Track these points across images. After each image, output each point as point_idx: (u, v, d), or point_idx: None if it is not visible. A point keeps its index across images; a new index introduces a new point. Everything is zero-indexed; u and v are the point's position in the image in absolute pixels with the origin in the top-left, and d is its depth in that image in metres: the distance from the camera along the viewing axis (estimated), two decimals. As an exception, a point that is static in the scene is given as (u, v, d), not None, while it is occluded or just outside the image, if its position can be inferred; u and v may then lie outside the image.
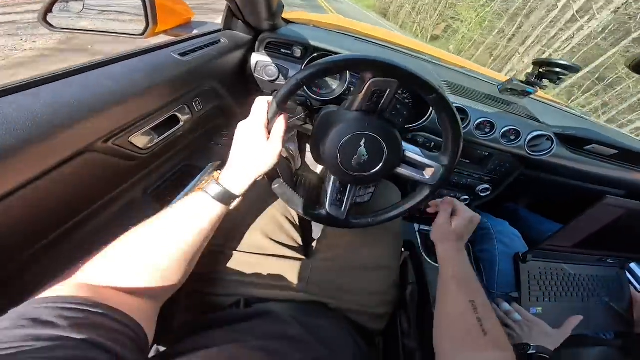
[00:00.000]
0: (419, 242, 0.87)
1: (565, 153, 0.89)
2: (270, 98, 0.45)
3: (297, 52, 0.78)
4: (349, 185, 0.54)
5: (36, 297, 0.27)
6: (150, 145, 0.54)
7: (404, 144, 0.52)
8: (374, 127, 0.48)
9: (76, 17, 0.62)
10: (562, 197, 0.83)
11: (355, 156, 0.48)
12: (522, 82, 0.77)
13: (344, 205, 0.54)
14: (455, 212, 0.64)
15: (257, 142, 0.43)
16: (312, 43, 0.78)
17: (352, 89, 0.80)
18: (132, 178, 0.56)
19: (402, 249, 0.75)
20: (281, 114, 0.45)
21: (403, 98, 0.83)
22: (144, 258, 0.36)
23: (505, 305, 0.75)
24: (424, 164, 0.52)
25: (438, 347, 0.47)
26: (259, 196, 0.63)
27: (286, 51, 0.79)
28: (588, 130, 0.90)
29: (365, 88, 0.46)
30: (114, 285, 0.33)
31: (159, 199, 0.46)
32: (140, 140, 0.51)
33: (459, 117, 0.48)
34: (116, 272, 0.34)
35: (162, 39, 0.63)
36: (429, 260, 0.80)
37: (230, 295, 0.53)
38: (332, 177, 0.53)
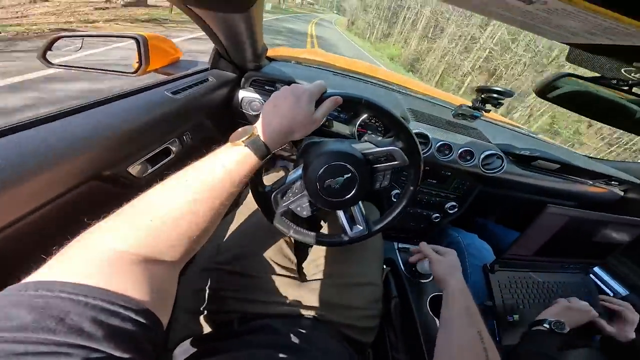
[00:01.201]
0: (399, 258, 0.90)
1: (515, 169, 0.99)
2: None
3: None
4: (354, 206, 0.59)
5: (58, 279, 0.22)
6: (144, 174, 0.58)
7: (357, 146, 0.56)
8: (327, 157, 0.52)
9: (74, 55, 0.67)
10: (521, 209, 0.92)
11: (334, 186, 0.52)
12: (469, 107, 0.89)
13: (360, 221, 0.60)
14: (439, 251, 0.71)
15: (305, 108, 0.44)
16: (295, 79, 0.87)
17: (329, 121, 0.88)
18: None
19: (384, 266, 0.79)
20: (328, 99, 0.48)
21: (376, 127, 0.91)
22: (175, 210, 0.32)
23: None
24: (384, 152, 0.56)
25: None
26: (253, 217, 0.67)
27: (270, 87, 0.86)
28: (534, 148, 1.02)
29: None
30: (139, 252, 0.28)
31: None
32: (136, 169, 0.54)
33: (387, 108, 0.53)
34: (142, 238, 0.29)
35: (152, 76, 0.69)
36: (408, 275, 0.83)
37: (228, 312, 0.55)
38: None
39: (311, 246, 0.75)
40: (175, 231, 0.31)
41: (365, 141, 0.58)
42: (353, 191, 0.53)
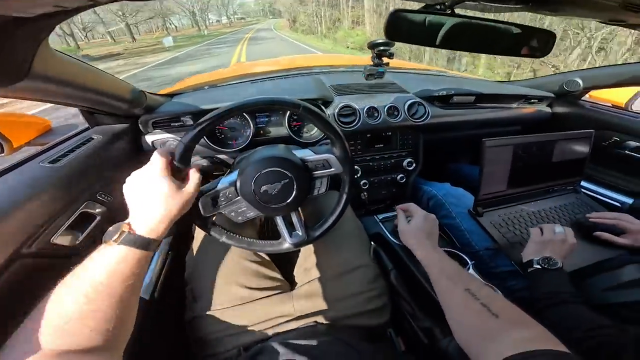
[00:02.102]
0: (384, 230, 0.86)
1: (439, 111, 1.01)
2: (168, 149, 0.48)
3: (188, 121, 0.83)
4: (293, 213, 0.58)
5: None
6: (78, 241, 0.58)
7: (298, 153, 0.57)
8: (264, 162, 0.53)
9: None
10: (476, 146, 0.90)
11: (271, 191, 0.52)
12: (372, 66, 0.87)
13: (298, 229, 0.59)
14: (411, 213, 0.72)
15: (162, 188, 0.44)
16: (201, 107, 0.83)
17: (263, 128, 0.88)
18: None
19: (372, 243, 0.77)
20: (192, 168, 0.49)
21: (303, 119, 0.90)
22: (85, 318, 0.36)
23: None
24: (321, 159, 0.57)
25: (462, 345, 0.45)
26: (217, 255, 0.65)
27: (177, 123, 0.83)
28: (447, 87, 1.03)
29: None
30: (72, 348, 0.34)
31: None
32: (64, 239, 0.55)
33: (317, 110, 0.54)
34: (69, 337, 0.34)
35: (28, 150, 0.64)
36: (397, 242, 0.80)
37: (230, 349, 0.56)
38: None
39: (294, 253, 0.75)
40: (86, 325, 0.35)
41: (309, 147, 0.60)
42: (291, 197, 0.54)
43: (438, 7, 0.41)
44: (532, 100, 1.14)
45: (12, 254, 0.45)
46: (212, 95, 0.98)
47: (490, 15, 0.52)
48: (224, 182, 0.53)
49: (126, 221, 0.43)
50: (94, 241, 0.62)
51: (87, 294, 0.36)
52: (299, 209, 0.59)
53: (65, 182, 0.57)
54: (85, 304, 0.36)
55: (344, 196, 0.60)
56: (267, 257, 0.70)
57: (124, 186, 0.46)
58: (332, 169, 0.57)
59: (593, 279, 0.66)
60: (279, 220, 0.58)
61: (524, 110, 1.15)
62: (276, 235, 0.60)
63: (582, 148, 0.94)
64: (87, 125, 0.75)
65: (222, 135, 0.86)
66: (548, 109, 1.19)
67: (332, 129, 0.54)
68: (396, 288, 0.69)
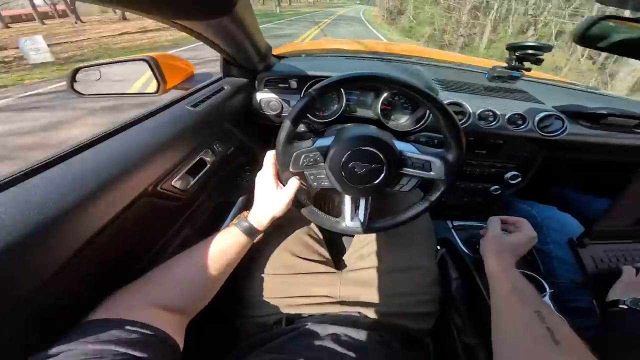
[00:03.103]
0: (456, 237, 0.83)
1: (582, 130, 0.86)
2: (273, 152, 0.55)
3: (294, 84, 0.86)
4: (363, 198, 0.57)
5: (104, 317, 0.36)
6: (188, 187, 0.62)
7: (399, 145, 0.54)
8: (366, 140, 0.52)
9: (98, 84, 0.74)
10: (607, 174, 0.76)
11: (358, 170, 0.52)
12: (505, 68, 0.78)
13: (361, 216, 0.57)
14: (518, 227, 0.65)
15: (269, 191, 0.54)
16: (306, 72, 0.85)
17: (350, 105, 0.86)
18: (181, 217, 0.65)
19: (438, 247, 0.74)
20: (294, 175, 0.54)
21: (402, 104, 0.86)
22: (181, 281, 0.45)
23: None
24: (424, 160, 0.54)
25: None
26: (282, 221, 0.68)
27: (284, 85, 0.86)
28: (599, 106, 0.86)
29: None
30: (157, 304, 0.41)
31: (205, 235, 0.52)
32: (180, 183, 0.59)
33: (452, 112, 0.50)
34: (159, 294, 0.43)
35: (173, 92, 0.73)
36: (470, 254, 0.76)
37: (270, 315, 0.59)
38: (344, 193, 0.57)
39: (350, 236, 0.73)
40: (181, 288, 0.46)
41: (411, 142, 0.57)
42: (374, 183, 0.53)
43: None
44: None
45: (142, 192, 0.48)
46: (313, 63, 0.99)
47: None
48: (319, 144, 0.54)
49: (246, 210, 0.56)
50: (199, 188, 0.66)
51: (197, 265, 0.47)
52: (371, 198, 0.58)
53: (200, 126, 0.63)
54: (191, 272, 0.46)
55: (426, 204, 0.56)
56: (320, 235, 0.71)
57: (255, 182, 0.57)
58: (432, 173, 0.54)
59: None
60: (347, 200, 0.57)
61: None
62: (333, 213, 0.60)
63: None
64: (220, 75, 0.83)
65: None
66: None
67: (458, 134, 0.51)
68: (454, 299, 0.66)
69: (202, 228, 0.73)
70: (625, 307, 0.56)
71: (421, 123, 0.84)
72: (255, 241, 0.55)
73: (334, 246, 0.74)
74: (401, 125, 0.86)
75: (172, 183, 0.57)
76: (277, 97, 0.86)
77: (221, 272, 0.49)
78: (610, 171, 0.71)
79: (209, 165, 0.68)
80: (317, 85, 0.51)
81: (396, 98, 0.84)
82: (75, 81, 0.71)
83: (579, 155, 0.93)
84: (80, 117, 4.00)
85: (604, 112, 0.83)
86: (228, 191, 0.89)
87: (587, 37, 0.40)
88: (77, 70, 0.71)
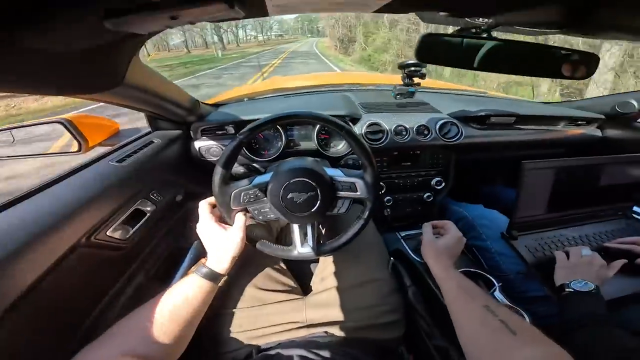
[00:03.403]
0: (406, 247, 0.87)
1: (474, 132, 0.99)
2: (208, 200, 0.59)
3: (231, 130, 0.91)
4: (309, 224, 0.61)
5: None
6: (128, 235, 0.63)
7: (329, 171, 0.59)
8: (298, 172, 0.56)
9: (13, 146, 0.72)
10: (514, 169, 0.87)
11: (296, 200, 0.55)
12: (402, 85, 0.90)
13: (310, 241, 0.61)
14: (445, 231, 0.70)
15: (217, 237, 0.55)
16: (242, 117, 0.90)
17: (294, 140, 0.93)
18: (130, 265, 0.66)
19: (392, 258, 0.77)
20: (240, 211, 0.57)
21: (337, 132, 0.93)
22: (150, 331, 0.44)
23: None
24: (350, 182, 0.59)
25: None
26: (245, 258, 0.69)
27: (221, 132, 0.91)
28: (484, 108, 1.01)
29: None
30: (128, 353, 0.40)
31: (161, 280, 0.53)
32: (117, 233, 0.60)
33: (359, 137, 0.58)
34: (133, 345, 0.42)
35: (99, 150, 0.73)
36: (418, 259, 0.80)
37: (241, 348, 0.59)
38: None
39: (315, 261, 0.77)
40: (155, 338, 0.44)
41: (339, 168, 0.62)
42: (313, 209, 0.56)
43: (474, 30, 0.42)
44: (580, 122, 1.09)
45: (75, 243, 0.50)
46: (251, 107, 1.06)
47: (528, 38, 0.52)
48: (257, 181, 0.57)
49: (192, 254, 0.57)
50: (146, 236, 0.68)
51: (164, 313, 0.47)
52: (316, 223, 0.62)
53: (128, 180, 0.65)
54: (160, 321, 0.46)
55: (361, 222, 0.61)
56: (283, 265, 0.73)
57: (199, 234, 0.57)
58: (358, 193, 0.59)
59: (629, 310, 0.63)
60: (295, 228, 0.61)
61: (569, 132, 1.10)
62: (289, 243, 0.63)
63: (637, 172, 0.87)
64: (148, 129, 0.85)
65: (257, 145, 0.93)
66: (597, 131, 1.12)
67: (368, 155, 0.57)
68: (413, 305, 0.69)
69: (157, 274, 0.73)
70: (570, 290, 0.60)
71: (344, 149, 0.92)
72: (220, 284, 0.56)
73: (302, 273, 0.76)
74: (339, 151, 0.93)
75: (108, 233, 0.58)
76: (216, 143, 0.90)
77: (190, 319, 0.49)
78: (514, 166, 0.81)
79: (148, 214, 0.69)
80: (242, 131, 0.56)
81: (326, 127, 0.92)
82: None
83: (481, 154, 1.06)
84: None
85: (484, 113, 0.96)
86: (180, 237, 0.89)
87: (422, 54, 0.47)
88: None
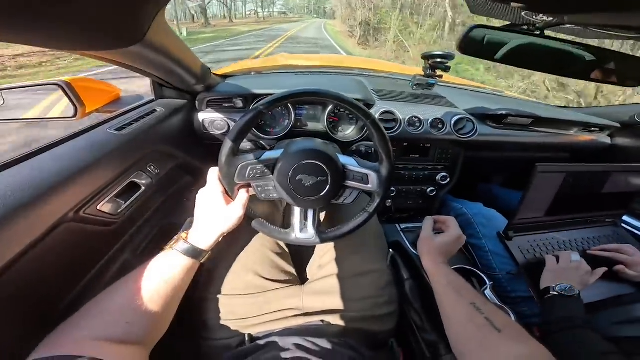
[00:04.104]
0: (404, 239, 0.87)
1: (489, 130, 0.98)
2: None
3: (239, 103, 0.87)
4: (311, 209, 0.59)
5: (51, 354, 0.33)
6: (120, 210, 0.59)
7: (342, 158, 0.57)
8: (312, 154, 0.54)
9: (4, 109, 0.67)
10: (519, 169, 0.88)
11: (305, 182, 0.53)
12: (422, 76, 0.88)
13: (310, 226, 0.59)
14: (448, 227, 0.69)
15: (215, 208, 0.51)
16: (252, 91, 0.86)
17: (301, 120, 0.89)
18: (118, 242, 0.62)
19: (390, 250, 0.78)
20: (243, 186, 0.54)
21: (347, 115, 0.91)
22: (124, 312, 0.41)
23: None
24: (363, 173, 0.57)
25: (458, 355, 0.47)
26: (245, 240, 0.67)
27: (228, 104, 0.87)
28: (502, 107, 1.00)
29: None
30: (106, 337, 0.38)
31: (148, 258, 0.49)
32: (108, 207, 0.57)
33: (382, 127, 0.55)
34: (106, 326, 0.39)
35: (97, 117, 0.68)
36: (416, 252, 0.79)
37: (233, 337, 0.57)
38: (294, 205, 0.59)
39: (311, 248, 0.75)
40: (128, 319, 0.41)
41: (353, 156, 0.60)
42: (319, 195, 0.54)
43: (525, 27, 0.40)
44: (593, 129, 1.09)
45: (61, 218, 0.46)
46: (261, 81, 1.02)
47: (579, 39, 0.50)
48: (266, 156, 0.55)
49: (184, 231, 0.51)
50: (137, 211, 0.65)
51: (139, 292, 0.43)
52: (319, 209, 0.60)
53: (126, 150, 0.61)
54: (134, 301, 0.42)
55: (366, 215, 0.60)
56: (286, 250, 0.71)
57: (196, 200, 0.53)
58: (369, 186, 0.57)
59: (605, 313, 0.66)
60: (297, 211, 0.59)
61: (578, 138, 1.10)
62: (287, 226, 0.61)
63: (636, 182, 0.89)
64: (152, 97, 0.80)
65: (262, 122, 0.89)
66: (607, 139, 1.13)
67: (388, 149, 0.55)
68: (408, 298, 0.69)
69: (145, 252, 0.70)
70: (555, 293, 0.62)
71: (364, 132, 0.89)
72: (203, 261, 0.52)
73: (299, 258, 0.75)
74: (348, 136, 0.91)
75: (98, 207, 0.54)
76: (222, 116, 0.86)
77: (167, 297, 0.45)
78: (519, 166, 0.81)
79: (143, 188, 0.66)
80: (263, 101, 0.52)
81: (341, 110, 0.90)
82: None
83: (491, 153, 1.06)
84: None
85: (504, 112, 0.96)
86: (172, 213, 0.85)
87: (465, 46, 0.45)
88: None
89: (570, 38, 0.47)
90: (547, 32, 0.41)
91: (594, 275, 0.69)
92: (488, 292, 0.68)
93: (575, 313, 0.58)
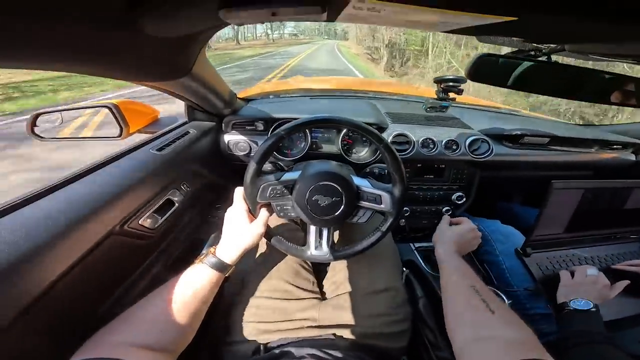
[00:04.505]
0: (418, 258, 0.88)
1: (505, 150, 0.99)
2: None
3: (260, 126, 0.93)
4: (326, 228, 0.62)
5: (92, 356, 0.36)
6: (157, 225, 0.64)
7: (356, 180, 0.60)
8: (328, 176, 0.57)
9: (59, 128, 0.74)
10: (538, 187, 0.88)
11: (321, 203, 0.56)
12: (435, 99, 0.89)
13: (324, 244, 0.61)
14: (460, 222, 0.75)
15: (240, 225, 0.56)
16: (272, 115, 0.92)
17: (316, 142, 0.94)
18: (151, 255, 0.67)
19: (404, 269, 0.78)
20: (264, 205, 0.58)
21: (361, 138, 0.94)
22: (157, 321, 0.45)
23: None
24: (376, 194, 0.59)
25: (451, 333, 0.48)
26: (274, 250, 0.69)
27: (251, 127, 0.93)
28: (518, 127, 1.01)
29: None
30: (140, 344, 0.41)
31: (177, 271, 0.53)
32: (148, 222, 0.61)
33: (395, 151, 0.58)
34: (141, 334, 0.42)
35: (138, 136, 0.75)
36: (432, 273, 0.81)
37: (251, 342, 0.59)
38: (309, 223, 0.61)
39: (329, 265, 0.77)
40: (159, 327, 0.45)
41: (367, 177, 0.62)
42: (334, 215, 0.57)
43: (532, 53, 0.43)
44: (615, 147, 1.08)
45: (110, 230, 0.51)
46: (280, 106, 1.07)
47: (587, 64, 0.52)
48: (285, 177, 0.58)
49: (210, 246, 0.55)
50: (169, 226, 0.69)
51: (171, 304, 0.46)
52: (333, 228, 0.63)
53: (166, 169, 0.66)
54: (167, 311, 0.45)
55: (379, 234, 0.62)
56: (309, 264, 0.74)
57: (225, 218, 0.58)
58: (382, 206, 0.59)
59: (630, 331, 0.64)
60: (312, 230, 0.61)
61: (601, 155, 1.08)
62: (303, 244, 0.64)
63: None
64: (185, 120, 0.86)
65: (281, 145, 0.93)
66: (632, 156, 1.11)
67: (401, 172, 0.58)
68: (423, 316, 0.70)
69: (175, 265, 0.73)
70: (570, 308, 0.61)
71: (377, 154, 0.92)
72: (227, 274, 0.56)
73: (317, 272, 0.77)
74: (362, 157, 0.94)
75: (140, 222, 0.59)
76: (245, 138, 0.91)
77: (196, 309, 0.49)
78: (538, 185, 0.82)
79: (177, 204, 0.70)
80: (284, 127, 0.56)
81: (355, 133, 0.92)
82: (36, 125, 0.72)
83: (508, 173, 1.06)
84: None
85: (519, 132, 0.97)
86: (199, 228, 0.90)
87: (474, 73, 0.47)
88: (37, 116, 0.72)
89: (579, 61, 0.50)
90: (555, 57, 0.43)
91: (614, 289, 0.67)
92: None
93: (593, 327, 0.57)
